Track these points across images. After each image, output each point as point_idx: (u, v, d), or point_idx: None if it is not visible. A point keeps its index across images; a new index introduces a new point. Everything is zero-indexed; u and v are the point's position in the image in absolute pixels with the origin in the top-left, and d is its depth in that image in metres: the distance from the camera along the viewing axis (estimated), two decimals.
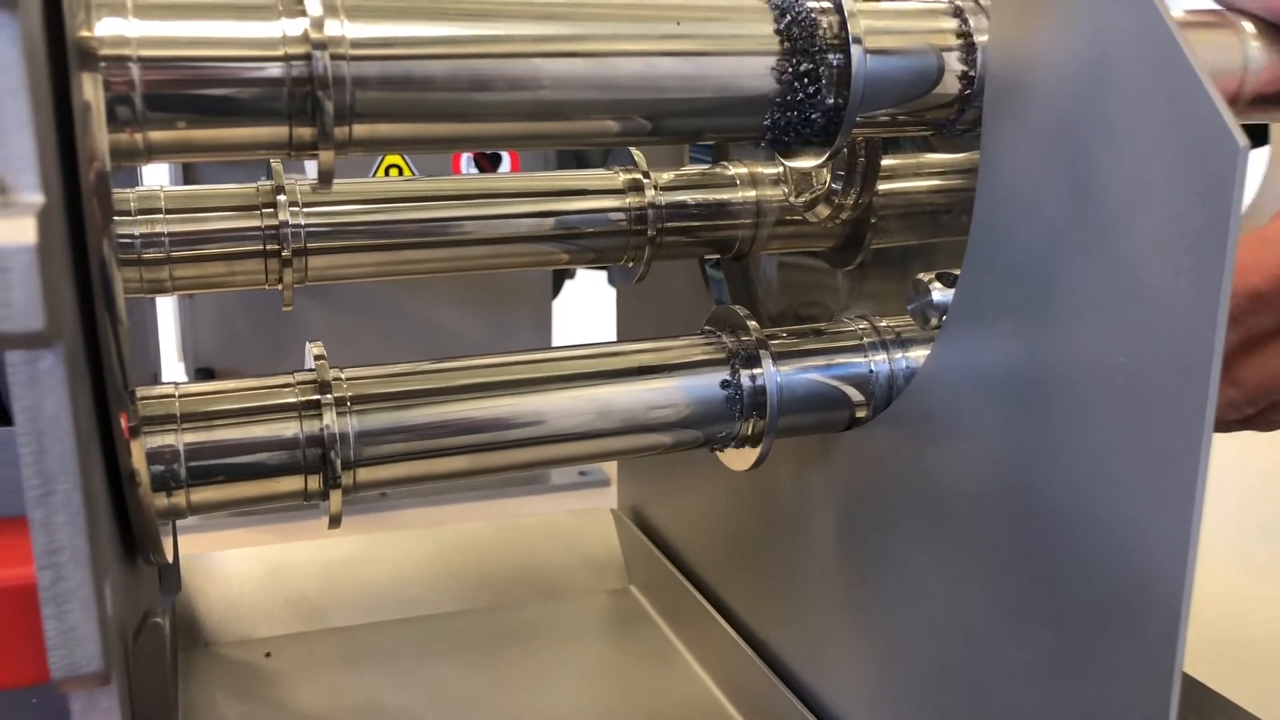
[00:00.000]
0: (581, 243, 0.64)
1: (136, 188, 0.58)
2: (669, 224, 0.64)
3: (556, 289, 1.24)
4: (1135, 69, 0.38)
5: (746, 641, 0.68)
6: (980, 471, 0.47)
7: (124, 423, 0.41)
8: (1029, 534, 0.45)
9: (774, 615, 0.67)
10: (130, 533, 0.45)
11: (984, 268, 0.46)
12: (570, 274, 1.26)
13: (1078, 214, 0.41)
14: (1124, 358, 0.40)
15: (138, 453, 0.42)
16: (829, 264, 0.68)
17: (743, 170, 0.66)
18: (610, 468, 1.15)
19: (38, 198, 0.30)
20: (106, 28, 0.38)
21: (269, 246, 0.58)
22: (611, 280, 1.25)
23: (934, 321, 0.49)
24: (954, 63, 0.47)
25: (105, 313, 0.39)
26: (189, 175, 0.98)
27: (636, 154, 0.65)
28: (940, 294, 0.48)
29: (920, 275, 0.49)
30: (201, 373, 1.07)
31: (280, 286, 0.59)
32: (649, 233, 0.64)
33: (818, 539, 0.60)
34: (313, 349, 0.49)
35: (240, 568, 0.78)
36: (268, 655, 0.73)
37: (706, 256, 0.71)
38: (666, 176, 0.65)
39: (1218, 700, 0.62)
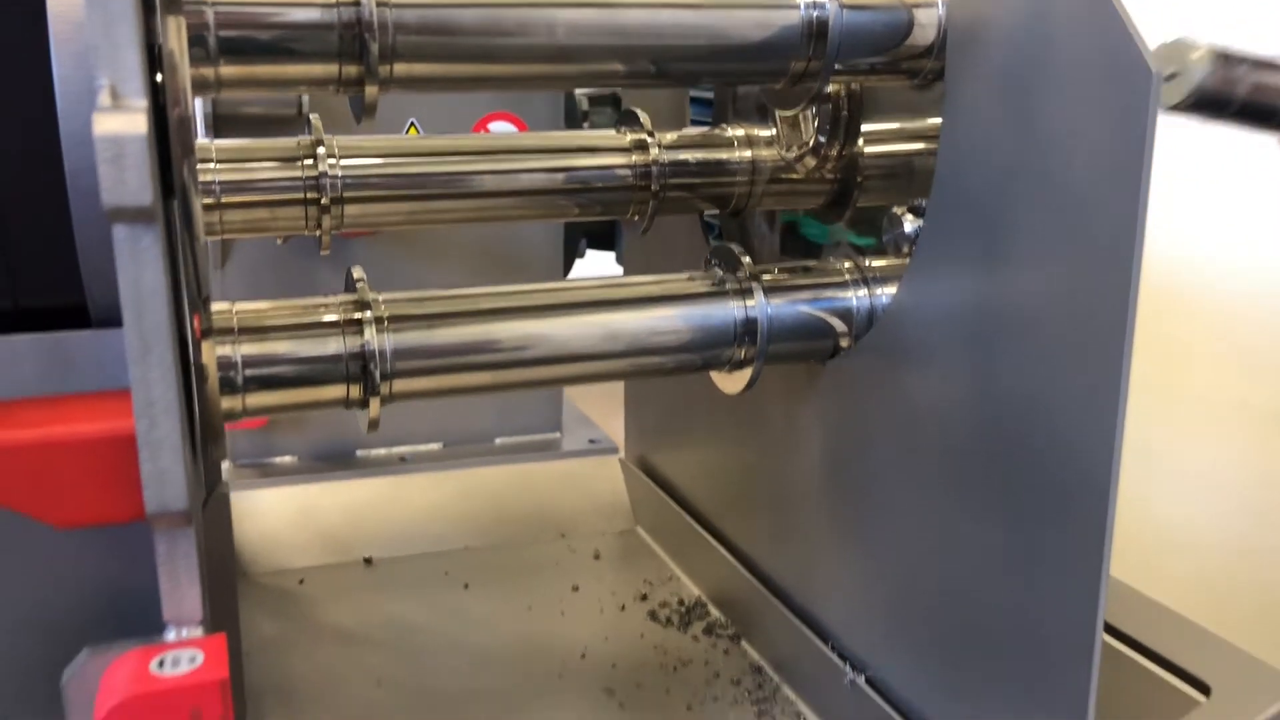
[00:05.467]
0: (591, 196, 0.70)
1: None
2: (671, 180, 0.70)
3: (567, 267, 1.30)
4: (1070, 13, 0.44)
5: (744, 567, 0.74)
6: (944, 386, 0.53)
7: (196, 324, 0.47)
8: (986, 439, 0.51)
9: (769, 541, 0.73)
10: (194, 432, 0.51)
11: (946, 204, 0.52)
12: (580, 253, 1.32)
13: (1024, 147, 0.47)
14: (1063, 269, 0.46)
15: (208, 351, 0.48)
16: (819, 219, 0.74)
17: (740, 132, 0.72)
18: (617, 433, 1.20)
19: (143, 101, 0.36)
20: None
21: (309, 195, 0.64)
22: (619, 259, 1.31)
23: (906, 250, 0.55)
24: (921, 17, 0.53)
25: (185, 230, 0.45)
26: (218, 133, 1.03)
27: (642, 115, 0.71)
28: (911, 225, 0.54)
29: (894, 209, 0.55)
30: None
31: (319, 232, 0.65)
32: (653, 188, 0.70)
33: (806, 464, 0.66)
34: (355, 271, 0.55)
35: (275, 505, 0.84)
36: (301, 582, 0.79)
37: (706, 213, 0.77)
38: (669, 137, 0.71)
39: (1168, 613, 0.68)
